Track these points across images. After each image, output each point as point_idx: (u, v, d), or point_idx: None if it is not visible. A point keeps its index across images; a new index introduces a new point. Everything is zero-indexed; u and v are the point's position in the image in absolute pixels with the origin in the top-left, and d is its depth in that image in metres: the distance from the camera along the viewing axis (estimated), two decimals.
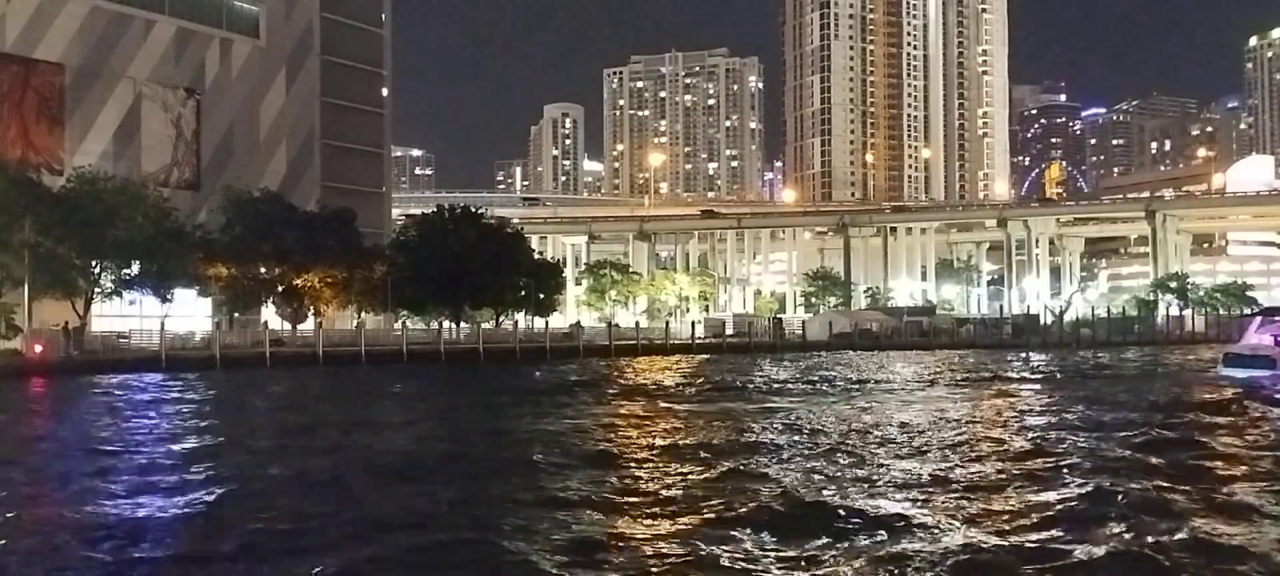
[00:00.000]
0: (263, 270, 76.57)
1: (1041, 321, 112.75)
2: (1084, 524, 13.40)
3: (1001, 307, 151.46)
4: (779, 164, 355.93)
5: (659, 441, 22.94)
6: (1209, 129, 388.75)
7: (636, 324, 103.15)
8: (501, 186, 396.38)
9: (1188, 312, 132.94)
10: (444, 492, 16.21)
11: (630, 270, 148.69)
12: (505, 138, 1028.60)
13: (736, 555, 11.89)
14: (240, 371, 55.09)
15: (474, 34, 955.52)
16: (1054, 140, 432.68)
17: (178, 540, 13.12)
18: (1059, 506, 14.66)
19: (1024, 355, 77.57)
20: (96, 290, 65.67)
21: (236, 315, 77.93)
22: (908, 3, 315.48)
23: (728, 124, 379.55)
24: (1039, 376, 50.45)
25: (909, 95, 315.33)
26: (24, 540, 13.15)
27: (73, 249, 63.00)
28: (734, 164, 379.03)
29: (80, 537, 13.16)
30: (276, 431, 26.25)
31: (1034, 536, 12.70)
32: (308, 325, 75.91)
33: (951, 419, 27.72)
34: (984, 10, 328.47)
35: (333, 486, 17.12)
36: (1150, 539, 12.41)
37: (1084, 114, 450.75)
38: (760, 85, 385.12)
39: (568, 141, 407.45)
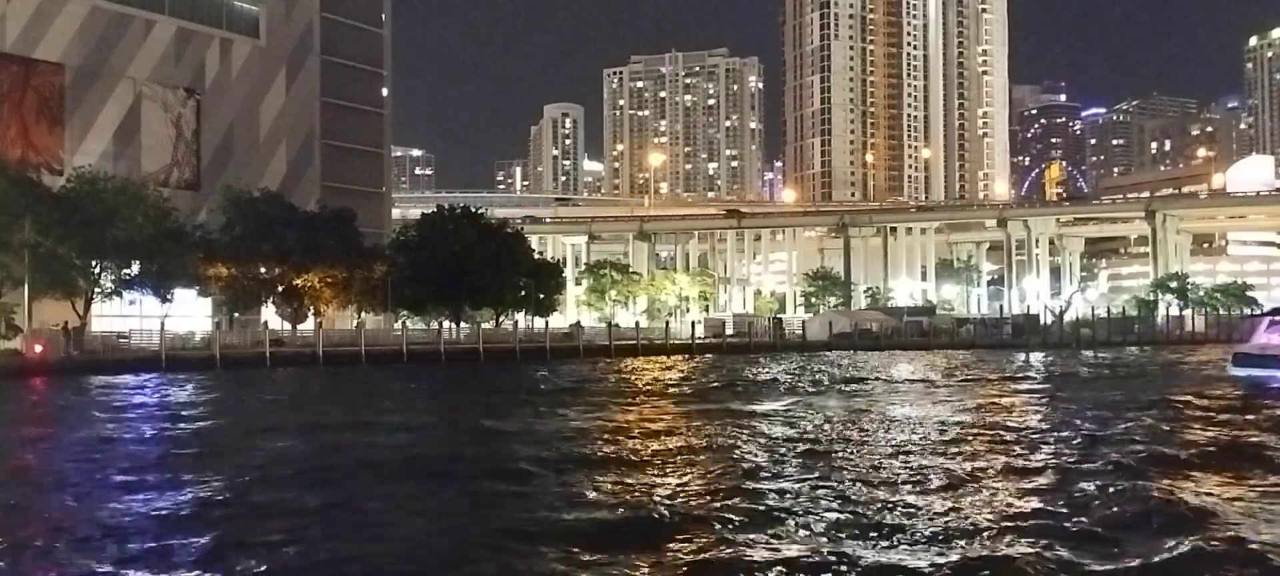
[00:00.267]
0: (263, 270, 76.62)
1: (1041, 321, 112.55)
2: (1104, 525, 13.31)
3: (1001, 307, 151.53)
4: (779, 164, 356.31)
5: (658, 441, 22.93)
6: (1209, 129, 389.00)
7: (636, 324, 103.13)
8: (501, 186, 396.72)
9: (1188, 313, 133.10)
10: (444, 492, 16.21)
11: (630, 270, 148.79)
12: (505, 138, 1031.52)
13: (737, 555, 11.88)
14: (240, 371, 55.10)
15: (474, 34, 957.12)
16: (1054, 140, 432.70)
17: (177, 540, 13.10)
18: (1087, 505, 14.57)
19: (1024, 355, 77.52)
20: (96, 290, 65.66)
21: (236, 315, 77.99)
22: (908, 3, 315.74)
23: (728, 124, 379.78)
24: (1039, 376, 50.42)
25: (909, 95, 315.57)
26: (24, 540, 13.13)
27: (73, 249, 62.97)
28: (734, 164, 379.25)
29: (80, 538, 13.15)
30: (276, 431, 26.21)
31: (1060, 543, 12.49)
32: (308, 325, 75.95)
33: (952, 419, 27.71)
34: (984, 10, 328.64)
35: (333, 486, 17.11)
36: (1173, 540, 12.32)
37: (1084, 114, 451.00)
38: (760, 85, 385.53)
39: (568, 141, 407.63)
